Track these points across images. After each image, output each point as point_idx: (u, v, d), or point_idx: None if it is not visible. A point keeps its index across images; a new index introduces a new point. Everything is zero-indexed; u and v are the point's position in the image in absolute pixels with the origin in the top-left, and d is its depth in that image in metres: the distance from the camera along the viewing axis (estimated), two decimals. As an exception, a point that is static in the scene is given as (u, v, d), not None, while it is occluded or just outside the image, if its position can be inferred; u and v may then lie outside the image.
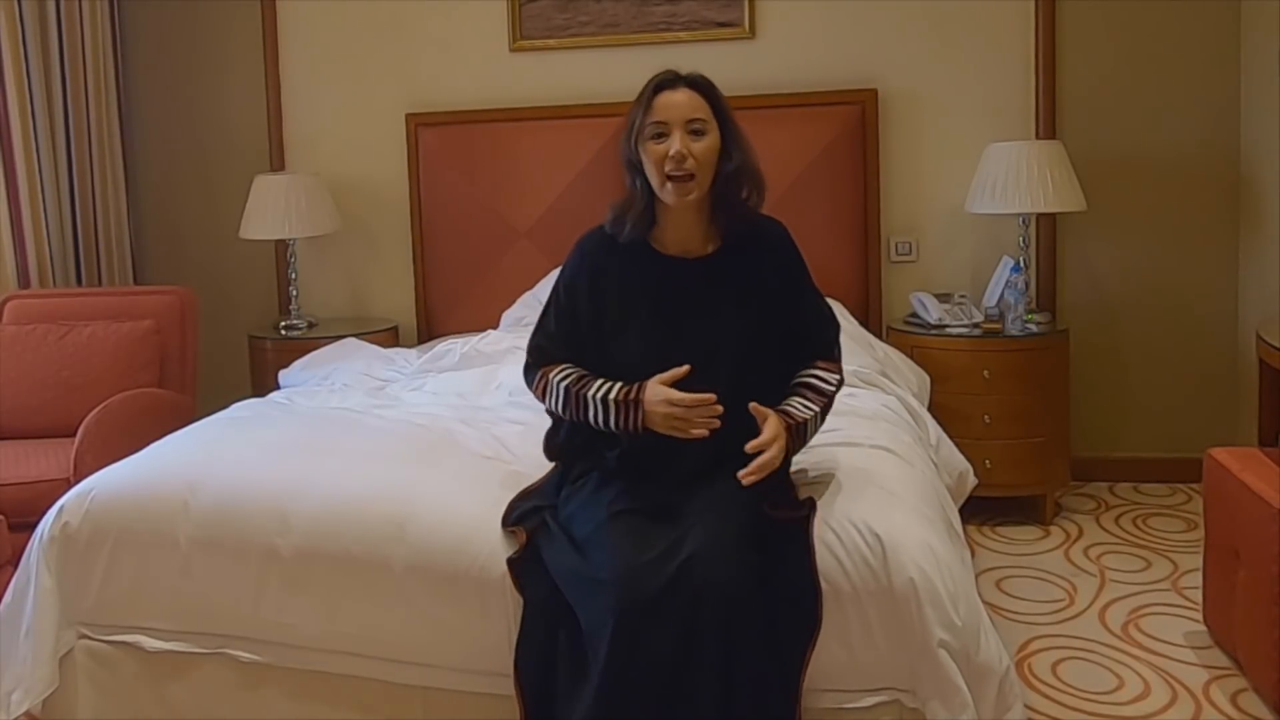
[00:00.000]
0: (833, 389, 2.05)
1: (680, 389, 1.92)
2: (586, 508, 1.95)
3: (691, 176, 1.94)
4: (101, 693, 2.18)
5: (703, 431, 1.89)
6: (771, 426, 1.89)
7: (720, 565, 1.76)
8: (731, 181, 1.99)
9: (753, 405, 1.90)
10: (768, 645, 1.78)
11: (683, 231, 2.04)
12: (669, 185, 1.94)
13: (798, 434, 1.97)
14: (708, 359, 1.96)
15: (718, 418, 1.90)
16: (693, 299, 2.02)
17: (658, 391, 1.91)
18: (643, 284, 2.03)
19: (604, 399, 1.96)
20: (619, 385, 1.97)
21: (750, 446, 1.86)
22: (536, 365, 2.11)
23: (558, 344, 2.09)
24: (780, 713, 1.77)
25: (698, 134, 1.95)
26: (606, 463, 2.02)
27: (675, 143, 1.92)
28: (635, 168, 2.01)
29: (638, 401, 1.93)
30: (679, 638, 1.73)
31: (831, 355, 2.09)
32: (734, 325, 2.01)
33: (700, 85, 1.99)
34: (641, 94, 1.99)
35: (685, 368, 1.92)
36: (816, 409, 2.00)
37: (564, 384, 2.02)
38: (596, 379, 2.00)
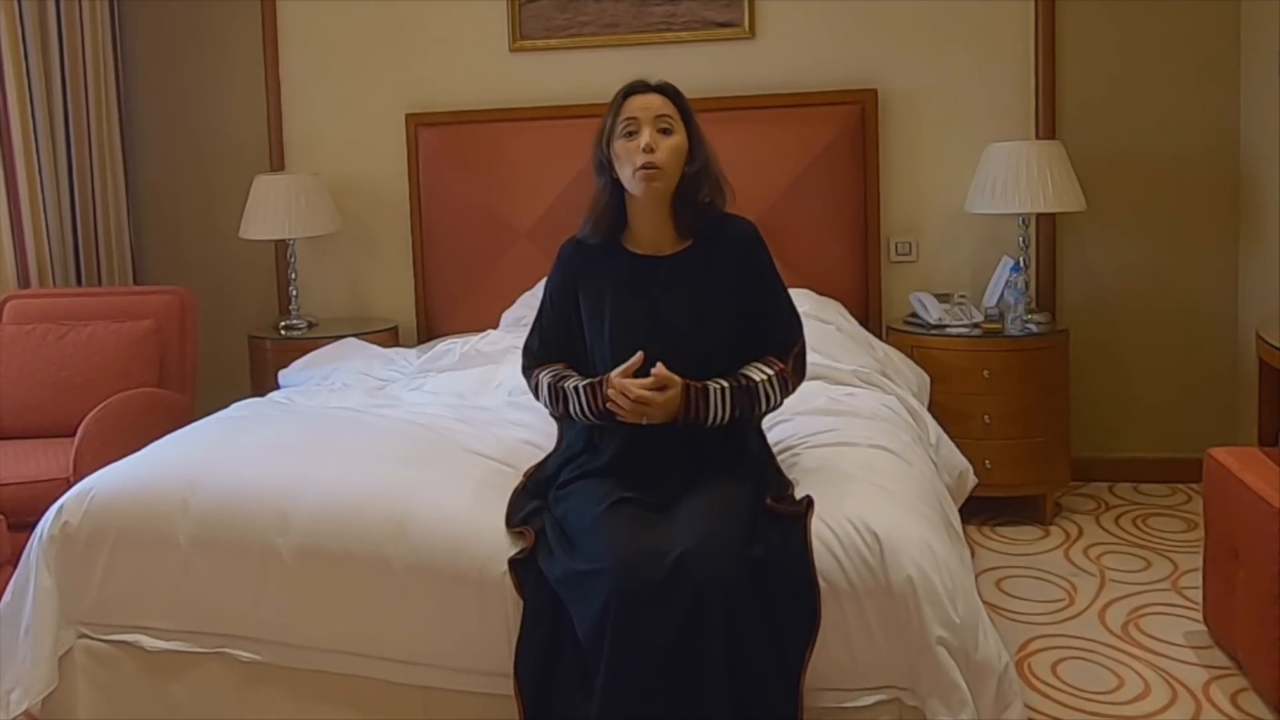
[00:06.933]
0: (761, 379, 2.04)
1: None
2: (580, 505, 1.96)
3: (659, 168, 2.01)
4: (101, 692, 2.17)
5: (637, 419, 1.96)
6: (667, 378, 1.95)
7: (718, 560, 1.77)
8: (693, 183, 2.08)
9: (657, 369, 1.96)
10: (770, 644, 1.78)
11: (652, 229, 2.11)
12: (638, 174, 2.01)
13: (699, 398, 1.98)
14: (674, 352, 2.01)
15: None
16: (662, 294, 2.08)
17: (612, 382, 1.99)
18: (614, 279, 2.10)
19: (577, 388, 2.05)
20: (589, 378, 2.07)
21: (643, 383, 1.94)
22: (529, 368, 2.20)
23: (544, 347, 2.19)
24: (783, 712, 1.77)
25: (666, 131, 2.05)
26: (599, 460, 2.05)
27: (645, 136, 2.02)
28: (604, 168, 2.10)
29: (602, 383, 2.01)
30: (680, 629, 1.73)
31: (782, 356, 2.08)
32: (700, 319, 2.06)
33: (668, 91, 2.10)
34: (612, 101, 2.11)
35: (638, 356, 1.98)
36: (725, 384, 2.00)
37: (549, 381, 2.12)
38: (574, 373, 2.11)
